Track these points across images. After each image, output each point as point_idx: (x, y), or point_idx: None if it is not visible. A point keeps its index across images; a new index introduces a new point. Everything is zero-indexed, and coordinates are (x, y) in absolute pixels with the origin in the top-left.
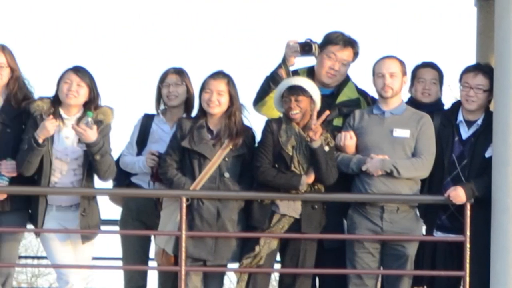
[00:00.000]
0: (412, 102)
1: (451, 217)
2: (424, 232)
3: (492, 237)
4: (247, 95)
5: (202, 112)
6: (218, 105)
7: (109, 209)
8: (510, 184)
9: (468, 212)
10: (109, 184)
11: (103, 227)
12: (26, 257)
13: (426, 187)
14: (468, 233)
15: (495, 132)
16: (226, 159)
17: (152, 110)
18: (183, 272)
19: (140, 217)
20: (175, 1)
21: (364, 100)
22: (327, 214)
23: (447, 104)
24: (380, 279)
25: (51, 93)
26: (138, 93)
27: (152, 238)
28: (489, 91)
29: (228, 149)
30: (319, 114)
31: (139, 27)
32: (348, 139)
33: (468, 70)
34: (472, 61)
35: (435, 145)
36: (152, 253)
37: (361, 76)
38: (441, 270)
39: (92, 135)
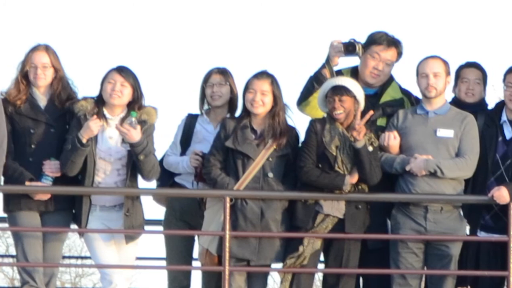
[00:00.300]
0: (456, 102)
1: (494, 217)
2: (468, 232)
3: None
4: (291, 95)
5: (246, 112)
6: (262, 105)
7: (153, 209)
8: None
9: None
10: (153, 184)
11: (146, 227)
12: (70, 257)
13: (469, 187)
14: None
15: None
16: (270, 159)
17: (196, 110)
18: (226, 272)
19: (184, 217)
20: (219, 0)
21: (408, 100)
22: (370, 214)
23: (490, 104)
24: (424, 279)
25: (95, 93)
26: (182, 93)
27: (196, 238)
28: None
29: (272, 149)
30: (363, 114)
31: (183, 27)
32: (392, 139)
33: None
34: None
35: (479, 145)
36: (195, 253)
37: (405, 76)
38: (484, 270)
39: (136, 135)
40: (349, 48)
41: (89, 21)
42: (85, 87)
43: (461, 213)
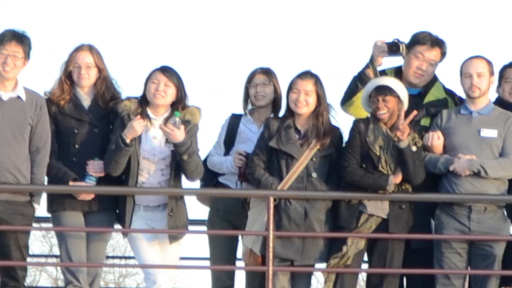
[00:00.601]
0: (500, 102)
1: None
2: None
3: None
4: (334, 95)
5: (290, 112)
6: (305, 105)
7: (196, 209)
8: None
9: None
10: (196, 184)
11: (190, 227)
12: (113, 257)
13: None
14: None
15: None
16: (314, 159)
17: (239, 110)
18: (270, 272)
19: (228, 217)
20: (261, 0)
21: (452, 100)
22: (414, 214)
23: None
24: (467, 279)
25: (138, 93)
26: (226, 93)
27: (240, 238)
28: None
29: (315, 149)
30: (407, 114)
31: (227, 27)
32: (436, 139)
33: None
34: None
35: None
36: (239, 253)
37: (448, 76)
38: None
39: (179, 135)
40: (393, 48)
41: (132, 20)
42: (129, 87)
43: (505, 213)
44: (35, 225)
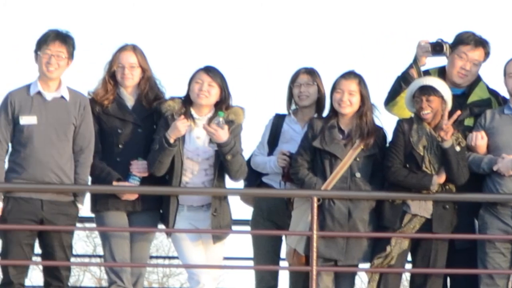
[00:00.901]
0: None
1: None
2: None
3: None
4: (378, 95)
5: (334, 112)
6: (349, 105)
7: (240, 209)
8: None
9: None
10: (240, 184)
11: (234, 227)
12: (157, 257)
13: None
14: None
15: None
16: (357, 159)
17: (283, 110)
18: (314, 272)
19: (271, 217)
20: (304, 1)
21: (495, 100)
22: (458, 214)
23: None
24: (511, 279)
25: (182, 93)
26: (270, 93)
27: (283, 238)
28: None
29: (359, 149)
30: (450, 114)
31: (270, 27)
32: (479, 139)
33: None
34: None
35: None
36: (283, 253)
37: (492, 76)
38: None
39: (223, 135)
40: (437, 48)
41: (176, 20)
42: (172, 87)
43: None
44: (78, 225)
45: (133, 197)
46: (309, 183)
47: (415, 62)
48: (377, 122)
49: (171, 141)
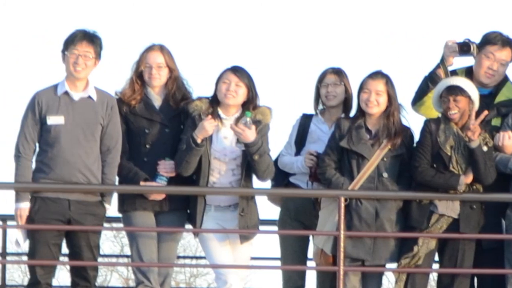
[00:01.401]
0: None
1: None
2: None
3: None
4: (405, 95)
5: (361, 112)
6: (376, 105)
7: (267, 209)
8: None
9: None
10: (267, 184)
11: (261, 227)
12: (184, 257)
13: None
14: None
15: None
16: (385, 159)
17: (310, 110)
18: (341, 272)
19: (299, 217)
20: (332, 1)
21: None
22: (485, 214)
23: None
24: None
25: (209, 93)
26: (297, 93)
27: (311, 238)
28: None
29: (386, 149)
30: (478, 114)
31: (296, 27)
32: (507, 139)
33: None
34: None
35: None
36: (310, 253)
37: None
38: None
39: (250, 135)
40: (464, 48)
41: (203, 20)
42: (200, 87)
43: None
44: (106, 225)
45: (160, 197)
46: (336, 183)
47: (442, 62)
48: (404, 122)
49: (198, 141)
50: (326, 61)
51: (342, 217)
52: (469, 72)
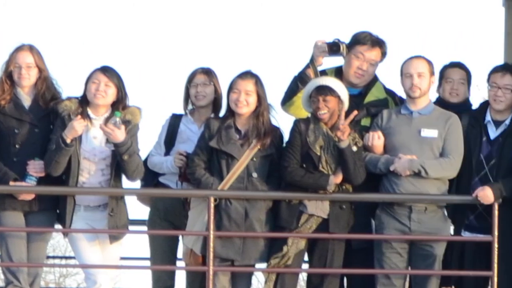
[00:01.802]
0: (440, 102)
1: (479, 217)
2: (452, 232)
3: None
4: (275, 95)
5: (230, 112)
6: (246, 105)
7: (137, 209)
8: None
9: (496, 212)
10: (137, 184)
11: (131, 227)
12: (54, 257)
13: (454, 187)
14: (496, 233)
15: None
16: (254, 159)
17: (180, 110)
18: (211, 272)
19: (168, 217)
20: (203, 1)
21: (392, 100)
22: (355, 214)
23: (475, 104)
24: (408, 279)
25: (79, 93)
26: (166, 93)
27: (180, 238)
28: None
29: (256, 149)
30: (347, 114)
31: (167, 27)
32: (376, 139)
33: (496, 70)
34: (500, 61)
35: (463, 145)
36: (180, 253)
37: (389, 76)
38: (469, 270)
39: (120, 135)
40: (333, 48)
41: (71, 19)
42: (69, 87)
43: (445, 213)
44: None
45: (30, 197)
46: (205, 183)
47: (312, 62)
48: (274, 122)
49: (68, 141)
50: (196, 61)
51: (212, 217)
52: (338, 72)
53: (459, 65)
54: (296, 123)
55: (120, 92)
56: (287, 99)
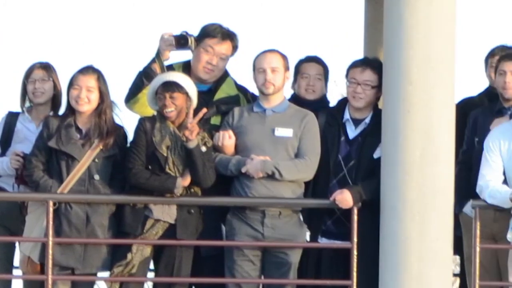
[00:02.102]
0: (295, 99)
1: (337, 222)
2: (308, 238)
3: (380, 244)
4: (118, 91)
5: (70, 110)
6: (87, 102)
7: None
8: (400, 187)
9: (355, 217)
10: None
11: None
12: None
13: (310, 190)
14: (355, 239)
15: (384, 131)
16: (96, 160)
17: (16, 108)
18: (50, 281)
19: (4, 222)
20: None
21: (244, 97)
22: (204, 219)
23: (332, 101)
24: None
25: None
26: (2, 89)
27: (17, 244)
28: (378, 88)
29: (98, 149)
30: (196, 112)
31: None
32: (227, 139)
33: (355, 65)
34: (360, 55)
35: (320, 145)
36: (16, 261)
37: (240, 71)
38: (326, 279)
39: None
40: (181, 41)
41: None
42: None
43: (301, 218)
44: None
45: None
46: (44, 185)
47: (158, 56)
48: (117, 121)
49: None
50: (33, 56)
51: (51, 222)
52: (187, 67)
53: (315, 60)
54: (141, 121)
55: None
56: (132, 96)
